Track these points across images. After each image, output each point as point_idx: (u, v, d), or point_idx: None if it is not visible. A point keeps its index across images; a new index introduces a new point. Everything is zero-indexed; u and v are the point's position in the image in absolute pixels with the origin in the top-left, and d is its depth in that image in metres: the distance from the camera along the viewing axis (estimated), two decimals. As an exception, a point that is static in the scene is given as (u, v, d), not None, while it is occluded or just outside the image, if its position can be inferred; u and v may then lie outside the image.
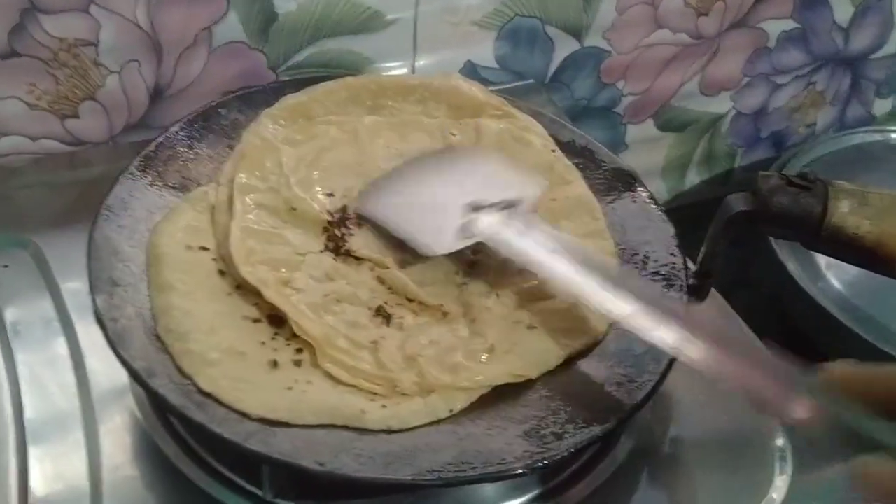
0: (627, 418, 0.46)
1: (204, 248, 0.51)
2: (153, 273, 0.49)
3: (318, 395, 0.45)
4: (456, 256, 0.54)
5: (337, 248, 0.53)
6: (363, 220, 0.55)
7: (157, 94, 0.66)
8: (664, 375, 0.47)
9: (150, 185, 0.54)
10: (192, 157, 0.57)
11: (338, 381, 0.46)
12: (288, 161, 0.57)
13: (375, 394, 0.46)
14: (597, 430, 0.44)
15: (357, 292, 0.51)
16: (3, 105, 0.63)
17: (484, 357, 0.49)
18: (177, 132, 0.57)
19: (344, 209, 0.56)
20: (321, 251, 0.53)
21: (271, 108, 0.60)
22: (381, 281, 0.52)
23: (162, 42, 0.64)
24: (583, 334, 0.50)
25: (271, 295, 0.49)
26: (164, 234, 0.51)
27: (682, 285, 0.52)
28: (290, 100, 0.60)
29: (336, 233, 0.54)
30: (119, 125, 0.67)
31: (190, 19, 0.64)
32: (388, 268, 0.53)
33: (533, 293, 0.52)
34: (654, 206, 0.57)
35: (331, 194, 0.56)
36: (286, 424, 0.44)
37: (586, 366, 0.49)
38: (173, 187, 0.55)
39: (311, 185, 0.56)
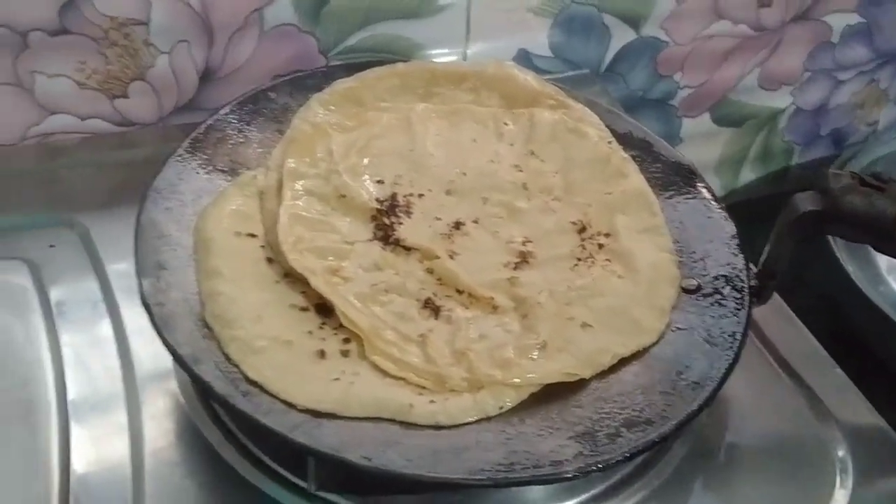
0: (685, 423, 0.44)
1: (252, 235, 0.51)
2: (200, 258, 0.49)
3: (365, 387, 0.44)
4: (507, 247, 0.53)
5: (386, 236, 0.52)
6: (413, 209, 0.54)
7: (207, 76, 0.66)
8: (723, 380, 0.45)
9: (199, 167, 0.53)
10: (241, 140, 0.56)
11: (386, 374, 0.45)
12: (338, 148, 0.56)
13: (424, 388, 0.45)
14: (653, 433, 0.43)
15: (406, 283, 0.50)
16: (53, 83, 0.62)
17: (536, 353, 0.47)
18: (227, 115, 0.56)
19: (393, 197, 0.54)
20: (370, 240, 0.52)
21: (322, 93, 0.59)
22: (429, 271, 0.51)
23: (213, 23, 0.63)
24: (638, 334, 0.49)
25: (318, 283, 0.48)
26: (212, 218, 0.50)
27: (743, 287, 0.50)
28: (341, 85, 0.59)
29: (385, 221, 0.53)
30: (168, 106, 0.66)
31: (241, 0, 0.63)
32: (437, 257, 0.51)
33: (587, 289, 0.51)
34: (715, 204, 0.55)
35: (381, 181, 0.55)
36: (332, 416, 0.43)
37: (642, 367, 0.47)
38: (222, 171, 0.54)
39: (361, 173, 0.55)
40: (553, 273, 0.52)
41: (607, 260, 0.53)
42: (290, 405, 0.42)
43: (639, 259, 0.52)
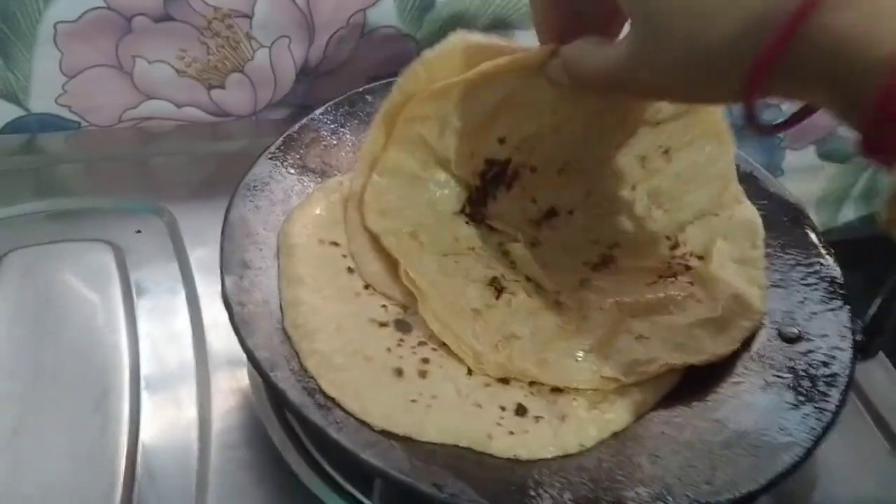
0: (769, 487, 0.41)
1: (335, 244, 0.50)
2: (284, 264, 0.48)
3: (442, 412, 0.42)
4: (592, 247, 0.51)
5: (473, 212, 0.51)
6: (515, 184, 0.51)
7: (304, 73, 0.65)
8: (817, 442, 0.42)
9: (290, 167, 0.53)
10: (334, 142, 0.55)
11: (463, 399, 0.44)
12: (461, 96, 0.48)
13: (503, 418, 0.43)
14: (734, 493, 0.40)
15: (478, 260, 0.50)
16: (153, 68, 0.62)
17: (580, 356, 0.46)
18: (321, 115, 0.56)
19: (506, 162, 0.50)
20: (457, 212, 0.51)
21: (429, 51, 0.56)
22: (505, 253, 0.50)
23: (315, 21, 0.63)
24: (697, 352, 0.46)
25: (391, 243, 0.47)
26: (298, 223, 0.50)
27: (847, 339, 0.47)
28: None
29: (479, 194, 0.51)
30: (264, 100, 0.66)
31: (346, 0, 0.62)
32: (517, 241, 0.50)
33: (655, 306, 0.49)
34: (823, 250, 0.52)
35: (503, 140, 0.49)
36: (407, 439, 0.41)
37: (731, 416, 0.45)
38: (313, 171, 0.53)
39: (481, 127, 0.48)
40: (628, 284, 0.50)
41: (689, 282, 0.50)
42: (365, 423, 0.41)
43: (723, 288, 0.49)
